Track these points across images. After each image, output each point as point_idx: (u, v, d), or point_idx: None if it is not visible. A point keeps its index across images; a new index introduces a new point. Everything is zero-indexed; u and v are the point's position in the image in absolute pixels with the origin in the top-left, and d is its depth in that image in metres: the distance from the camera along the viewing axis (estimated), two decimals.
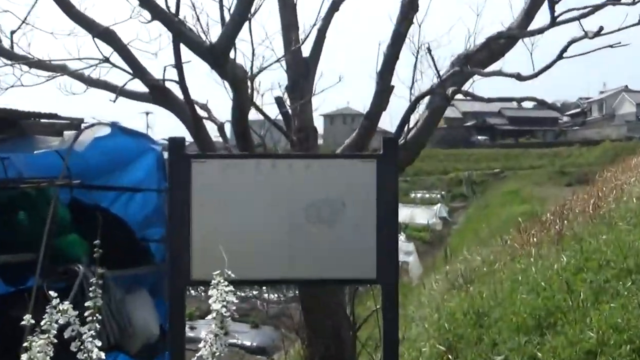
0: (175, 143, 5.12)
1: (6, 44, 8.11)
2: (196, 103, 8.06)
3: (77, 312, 2.89)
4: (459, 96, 7.88)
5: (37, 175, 8.98)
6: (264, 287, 27.90)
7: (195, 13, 7.50)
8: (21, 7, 7.93)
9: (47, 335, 2.79)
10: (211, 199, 5.01)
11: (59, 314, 2.84)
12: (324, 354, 7.98)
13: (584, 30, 6.64)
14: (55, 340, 2.81)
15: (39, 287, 7.56)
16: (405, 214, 44.43)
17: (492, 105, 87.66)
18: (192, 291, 28.90)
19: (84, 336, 2.92)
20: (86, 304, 3.08)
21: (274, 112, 8.43)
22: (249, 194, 5.05)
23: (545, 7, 7.09)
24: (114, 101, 7.80)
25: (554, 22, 6.88)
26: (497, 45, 7.93)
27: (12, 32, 7.99)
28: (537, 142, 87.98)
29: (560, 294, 8.57)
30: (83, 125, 9.29)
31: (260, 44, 8.15)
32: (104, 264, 3.80)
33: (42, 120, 9.46)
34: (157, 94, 8.13)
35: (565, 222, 14.17)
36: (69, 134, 9.20)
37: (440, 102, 7.99)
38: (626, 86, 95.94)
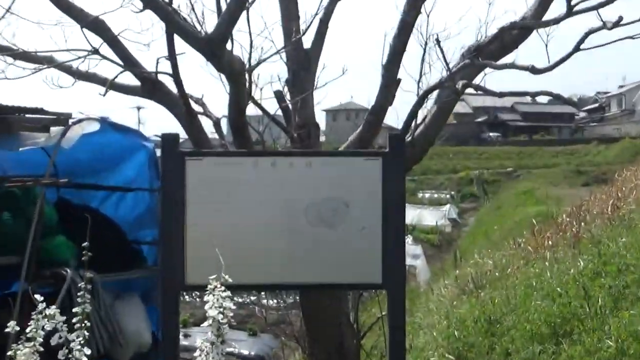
0: (168, 140, 5.12)
1: None
2: (191, 97, 8.06)
3: (64, 318, 2.89)
4: (470, 90, 7.87)
5: (22, 173, 8.97)
6: (262, 293, 27.88)
7: (190, 2, 7.49)
8: None
9: (32, 343, 2.79)
10: (206, 199, 5.01)
11: (46, 320, 2.84)
12: None
13: (602, 21, 6.62)
14: (42, 349, 2.80)
15: (24, 292, 7.56)
16: (412, 215, 44.45)
17: (505, 100, 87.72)
18: (187, 296, 28.98)
19: (72, 344, 2.92)
20: (74, 310, 3.08)
21: (273, 106, 8.43)
22: (246, 193, 5.05)
23: None
24: (104, 95, 7.80)
25: (570, 12, 6.87)
26: (510, 36, 7.92)
27: None
28: (552, 139, 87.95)
29: (577, 300, 8.56)
30: (71, 121, 9.27)
31: (259, 34, 8.13)
32: (93, 267, 3.81)
33: (28, 116, 9.45)
34: (150, 87, 8.12)
35: (583, 224, 14.14)
36: (55, 129, 9.20)
37: (449, 96, 7.99)
38: None
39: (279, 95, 8.32)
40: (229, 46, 6.57)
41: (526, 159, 74.16)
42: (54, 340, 2.88)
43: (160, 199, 6.50)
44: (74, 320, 3.04)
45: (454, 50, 8.07)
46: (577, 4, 6.85)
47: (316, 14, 8.41)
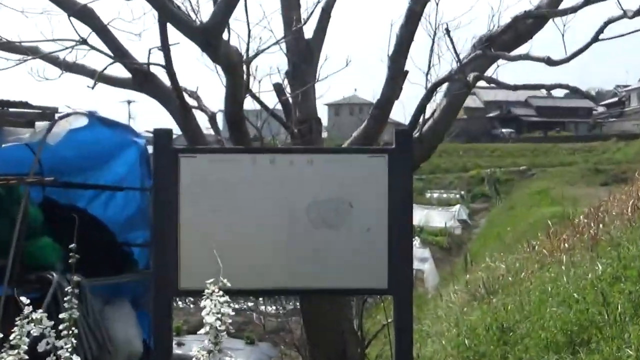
0: (161, 135, 5.12)
1: None
2: (185, 90, 8.06)
3: (52, 323, 2.89)
4: (481, 83, 7.87)
5: (5, 171, 8.97)
6: (260, 298, 27.87)
7: None
8: None
9: (17, 350, 2.79)
10: (201, 199, 5.01)
11: (31, 324, 2.84)
12: None
13: (622, 9, 6.61)
14: (27, 357, 2.80)
15: (8, 297, 7.56)
16: (420, 216, 44.41)
17: (518, 93, 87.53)
18: (180, 302, 28.96)
19: (60, 352, 2.92)
20: (61, 316, 3.07)
21: (272, 100, 8.42)
22: (244, 192, 5.05)
23: None
24: (92, 88, 7.79)
25: (588, 0, 6.87)
26: (524, 26, 7.92)
27: None
28: (569, 136, 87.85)
29: (595, 307, 8.55)
30: (57, 116, 9.27)
31: (258, 23, 8.15)
32: (81, 271, 3.80)
33: (11, 110, 9.45)
34: (141, 79, 8.13)
35: (601, 225, 14.12)
36: (41, 125, 9.19)
37: (459, 89, 7.98)
38: None
39: (278, 88, 8.32)
40: (225, 36, 6.57)
41: (541, 156, 74.07)
42: (41, 347, 2.88)
43: (152, 199, 6.50)
44: (61, 326, 3.04)
45: (464, 41, 8.07)
46: None
47: (318, 2, 8.42)
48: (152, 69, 7.91)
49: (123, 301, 9.65)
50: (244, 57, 7.43)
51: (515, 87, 7.66)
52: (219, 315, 2.91)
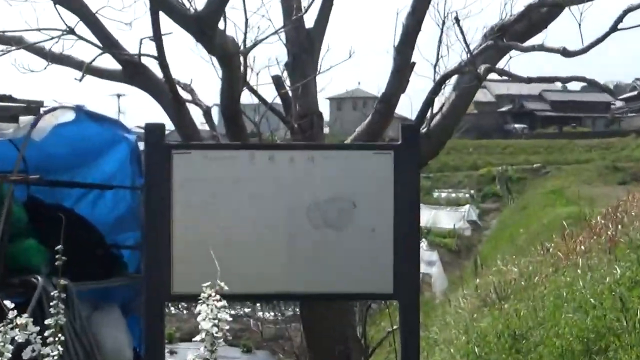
0: (153, 130, 5.12)
1: None
2: (178, 83, 8.06)
3: (38, 329, 2.89)
4: (493, 76, 7.87)
5: None
6: (258, 304, 27.92)
7: None
8: None
9: (0, 358, 2.79)
10: (196, 198, 5.01)
11: (16, 330, 2.83)
12: None
13: None
14: None
15: None
16: (427, 216, 44.39)
17: (532, 87, 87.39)
18: (172, 308, 29.00)
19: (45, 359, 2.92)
20: (46, 322, 3.07)
21: (271, 94, 8.42)
22: (241, 191, 5.04)
23: None
24: (80, 80, 7.81)
25: None
26: (539, 15, 7.92)
27: None
28: (585, 132, 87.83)
29: (613, 313, 8.55)
30: (42, 110, 9.26)
31: (255, 12, 8.13)
32: (67, 274, 3.80)
33: None
34: (132, 71, 8.13)
35: (619, 226, 14.13)
36: (25, 119, 9.18)
37: (470, 82, 7.98)
38: None
39: (277, 81, 8.33)
40: (221, 25, 6.57)
41: (555, 153, 74.08)
42: (26, 355, 2.88)
43: (143, 198, 6.49)
44: (47, 333, 3.04)
45: (475, 30, 8.09)
46: None
47: None
48: (144, 60, 7.92)
49: (112, 306, 9.64)
50: (241, 47, 7.43)
51: (529, 80, 7.66)
52: (216, 321, 2.91)
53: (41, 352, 2.92)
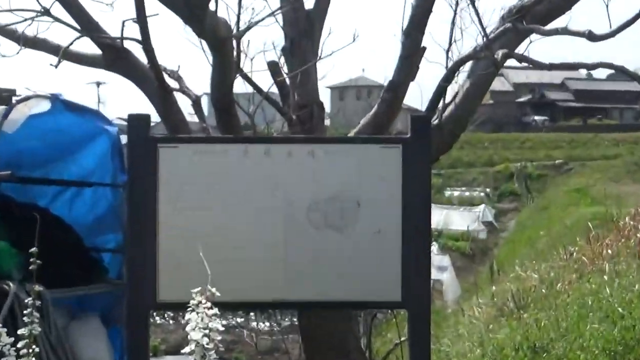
0: (136, 122, 5.12)
1: None
2: (164, 70, 8.05)
3: (12, 340, 2.88)
4: (511, 62, 7.87)
5: None
6: (252, 313, 27.93)
7: None
8: None
9: None
10: (184, 196, 5.01)
11: None
12: None
13: None
14: None
15: None
16: (438, 217, 44.43)
17: (554, 74, 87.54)
18: (157, 317, 29.01)
19: None
20: (19, 333, 3.07)
21: (266, 81, 8.42)
22: (233, 189, 5.05)
23: None
24: (56, 66, 7.80)
25: None
26: None
27: None
28: (612, 124, 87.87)
29: None
30: (15, 99, 9.26)
31: None
32: (42, 280, 3.79)
33: None
34: (113, 56, 8.12)
35: None
36: None
37: (486, 69, 7.98)
38: None
39: (274, 68, 8.32)
40: (212, 6, 6.56)
41: (579, 148, 74.10)
42: None
43: (126, 196, 6.48)
44: (20, 344, 3.03)
45: (491, 12, 8.06)
46: None
47: None
48: (126, 44, 7.91)
49: (91, 315, 9.64)
50: (234, 30, 7.42)
51: (551, 67, 7.66)
52: (207, 331, 2.90)
53: None
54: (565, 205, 45.68)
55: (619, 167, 62.10)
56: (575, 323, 9.85)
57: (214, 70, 7.14)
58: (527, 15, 7.70)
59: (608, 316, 9.41)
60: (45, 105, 9.15)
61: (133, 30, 7.09)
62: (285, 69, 8.39)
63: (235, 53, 7.45)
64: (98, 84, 68.24)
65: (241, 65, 7.86)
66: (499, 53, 7.34)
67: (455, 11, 7.96)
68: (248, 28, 7.68)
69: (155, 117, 7.04)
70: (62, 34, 8.05)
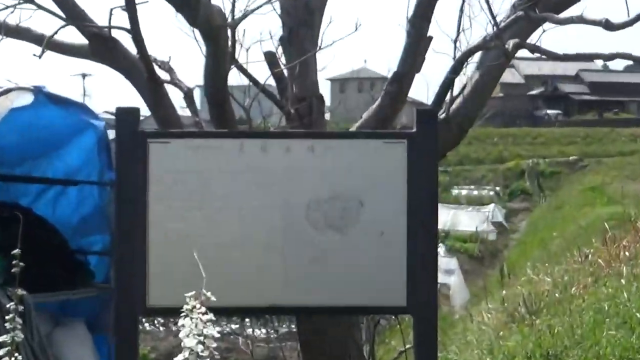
0: (125, 116, 5.11)
1: None
2: (154, 61, 8.05)
3: None
4: (522, 53, 7.86)
5: None
6: (247, 319, 27.93)
7: None
8: None
9: None
10: (176, 195, 5.01)
11: None
12: None
13: None
14: None
15: None
16: (445, 217, 44.45)
17: (567, 66, 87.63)
18: (147, 324, 29.01)
19: None
20: (0, 340, 3.06)
21: (263, 73, 8.42)
22: (228, 188, 5.04)
23: None
24: (40, 57, 7.80)
25: None
26: None
27: None
28: (630, 118, 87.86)
29: None
30: None
31: None
32: (25, 284, 3.79)
33: None
34: (100, 46, 8.12)
35: None
36: None
37: (496, 60, 7.98)
38: None
39: (271, 59, 8.32)
40: None
41: (595, 144, 74.13)
42: None
43: (114, 195, 6.48)
44: (0, 352, 3.03)
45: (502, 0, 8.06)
46: None
47: None
48: (114, 33, 7.91)
49: (76, 322, 9.64)
50: (229, 19, 7.43)
51: (565, 57, 7.66)
52: (201, 338, 2.89)
53: None
54: (579, 204, 45.68)
55: (637, 164, 62.02)
56: (591, 330, 9.85)
57: (208, 61, 7.14)
58: (540, 3, 7.69)
59: (626, 322, 9.41)
60: (27, 98, 9.15)
61: (121, 19, 7.09)
62: (283, 60, 8.39)
63: (230, 43, 7.45)
64: (84, 75, 68.35)
65: (236, 56, 7.87)
66: (510, 43, 7.35)
67: None
68: (244, 16, 7.68)
69: (145, 111, 7.02)
70: (46, 23, 8.05)
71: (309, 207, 4.99)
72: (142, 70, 7.58)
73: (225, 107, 7.49)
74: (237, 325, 29.58)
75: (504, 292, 18.49)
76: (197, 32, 7.34)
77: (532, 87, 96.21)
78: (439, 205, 5.86)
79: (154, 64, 7.80)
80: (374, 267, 5.06)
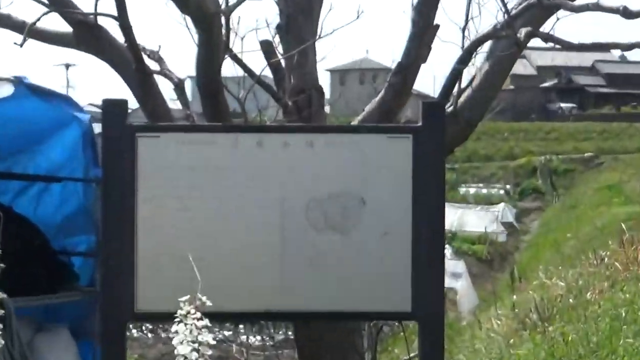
0: (112, 108, 5.11)
1: None
2: (143, 49, 8.04)
3: None
4: (534, 42, 7.86)
5: None
6: (241, 325, 27.90)
7: None
8: None
9: None
10: (166, 193, 5.01)
11: None
12: None
13: None
14: None
15: None
16: (452, 217, 44.46)
17: (583, 57, 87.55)
18: (134, 330, 29.01)
19: None
20: None
21: (259, 63, 8.42)
22: (222, 185, 5.04)
23: None
24: (21, 45, 7.78)
25: None
26: None
27: None
28: None
29: None
30: None
31: None
32: (5, 287, 3.79)
33: None
34: (86, 34, 8.11)
35: None
36: None
37: (507, 49, 7.98)
38: None
39: (267, 48, 8.32)
40: None
41: (612, 139, 74.16)
42: None
43: (100, 193, 6.49)
44: None
45: None
46: None
47: None
48: (100, 20, 7.90)
49: (60, 327, 9.65)
50: (222, 6, 7.42)
51: (580, 47, 7.66)
52: (196, 345, 2.89)
53: None
54: (595, 204, 45.68)
55: None
56: (607, 337, 9.86)
57: (200, 51, 7.14)
58: None
59: None
60: (7, 90, 9.14)
61: (108, 5, 7.09)
62: (280, 49, 8.39)
63: (223, 31, 7.45)
64: (67, 65, 68.31)
65: (230, 45, 7.86)
66: (522, 31, 7.34)
67: None
68: (238, 3, 7.68)
69: (133, 103, 7.02)
70: (28, 9, 8.05)
71: (308, 206, 4.99)
72: (130, 60, 7.57)
73: (219, 99, 7.49)
74: (231, 332, 29.59)
75: (514, 297, 18.54)
76: (188, 19, 7.34)
77: (544, 79, 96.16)
78: (446, 204, 5.85)
79: (142, 53, 7.79)
80: (376, 270, 5.06)
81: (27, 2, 7.73)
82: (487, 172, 67.04)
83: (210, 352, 2.92)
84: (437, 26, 8.00)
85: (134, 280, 4.91)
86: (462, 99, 8.03)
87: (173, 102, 8.89)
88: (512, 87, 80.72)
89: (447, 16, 8.25)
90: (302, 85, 8.20)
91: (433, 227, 5.08)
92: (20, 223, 9.65)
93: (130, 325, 21.00)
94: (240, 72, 8.49)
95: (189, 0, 6.57)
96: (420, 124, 5.11)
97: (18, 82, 9.21)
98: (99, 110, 5.27)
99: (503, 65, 8.27)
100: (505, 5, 7.34)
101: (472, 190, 61.25)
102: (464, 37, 7.99)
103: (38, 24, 7.95)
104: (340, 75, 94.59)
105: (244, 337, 30.06)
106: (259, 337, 29.22)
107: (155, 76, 8.17)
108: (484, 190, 61.62)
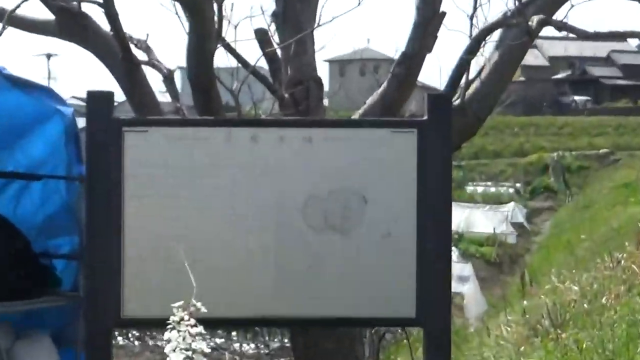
0: (97, 101, 5.11)
1: None
2: (130, 38, 8.04)
3: None
4: (547, 31, 7.86)
5: None
6: (234, 332, 27.96)
7: None
8: None
9: None
10: (155, 191, 5.01)
11: None
12: None
13: None
14: None
15: None
16: (459, 218, 44.48)
17: (597, 46, 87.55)
18: (120, 338, 29.03)
19: None
20: None
21: (254, 53, 8.42)
22: (214, 182, 5.04)
23: None
24: (0, 34, 7.78)
25: None
26: None
27: None
28: None
29: None
30: None
31: None
32: None
33: None
34: (69, 22, 8.11)
35: None
36: None
37: (517, 39, 7.98)
38: None
39: (262, 37, 8.32)
40: None
41: (628, 135, 74.19)
42: None
43: (84, 191, 6.48)
44: None
45: None
46: None
47: None
48: (85, 7, 7.91)
49: (41, 335, 9.65)
50: None
51: (596, 36, 7.68)
52: (189, 353, 2.89)
53: None
54: (610, 203, 45.71)
55: None
56: (624, 345, 9.87)
57: (191, 40, 7.14)
58: None
59: None
60: None
61: None
62: (276, 38, 8.39)
63: (216, 18, 7.45)
64: (48, 56, 68.31)
65: (223, 34, 7.86)
66: (534, 19, 7.35)
67: None
68: None
69: (119, 96, 7.02)
70: None
71: (306, 205, 4.99)
72: (116, 50, 7.58)
73: (211, 91, 7.49)
74: (223, 340, 29.62)
75: (525, 302, 18.54)
76: (178, 5, 7.34)
77: (557, 71, 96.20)
78: (452, 203, 5.86)
79: (129, 42, 7.80)
80: (378, 273, 5.06)
81: None
82: (496, 169, 67.07)
83: None
84: (444, 14, 8.01)
85: (120, 285, 4.90)
86: (469, 91, 8.03)
87: (162, 95, 8.90)
88: (522, 78, 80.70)
89: (454, 3, 8.26)
90: (300, 77, 8.20)
91: (439, 227, 5.08)
92: None
93: (116, 332, 21.04)
94: (233, 62, 8.51)
95: None
96: (425, 117, 5.11)
97: None
98: (83, 103, 5.27)
99: (513, 55, 8.27)
100: None
101: (480, 189, 61.27)
102: (472, 25, 8.00)
103: (18, 11, 7.95)
104: (340, 66, 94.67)
105: (237, 345, 30.14)
106: (253, 345, 29.28)
107: (143, 67, 8.17)
108: (493, 189, 61.63)
